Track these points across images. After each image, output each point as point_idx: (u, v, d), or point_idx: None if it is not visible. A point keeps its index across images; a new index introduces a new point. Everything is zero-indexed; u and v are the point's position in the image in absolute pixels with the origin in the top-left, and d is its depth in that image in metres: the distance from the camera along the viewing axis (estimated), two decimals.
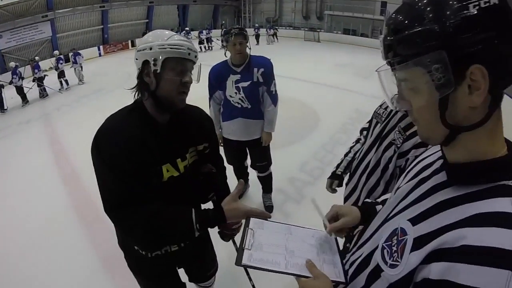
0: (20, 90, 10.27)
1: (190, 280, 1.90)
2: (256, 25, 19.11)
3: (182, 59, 1.20)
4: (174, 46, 1.17)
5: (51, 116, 8.71)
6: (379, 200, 1.07)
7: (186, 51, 1.19)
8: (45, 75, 10.98)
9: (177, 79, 1.20)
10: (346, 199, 1.71)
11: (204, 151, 1.44)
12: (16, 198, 4.51)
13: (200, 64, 1.30)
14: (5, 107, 9.78)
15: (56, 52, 12.06)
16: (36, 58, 11.64)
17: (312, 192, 3.56)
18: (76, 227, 3.52)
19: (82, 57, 11.69)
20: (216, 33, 18.25)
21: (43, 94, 10.73)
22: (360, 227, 1.05)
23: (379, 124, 1.47)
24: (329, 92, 7.43)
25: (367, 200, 1.13)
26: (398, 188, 0.75)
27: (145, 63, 1.18)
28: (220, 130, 2.93)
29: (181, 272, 1.75)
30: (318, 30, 19.04)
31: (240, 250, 0.97)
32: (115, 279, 2.66)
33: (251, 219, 1.13)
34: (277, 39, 18.31)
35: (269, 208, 3.29)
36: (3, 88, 9.80)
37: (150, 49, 1.17)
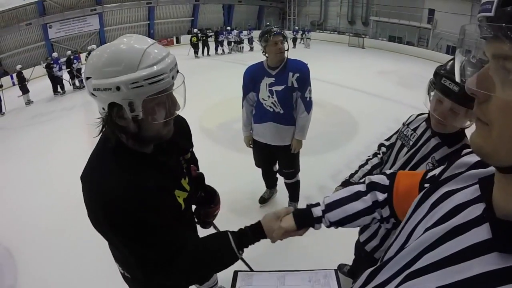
0: (58, 80, 10.85)
1: None
2: (296, 28, 18.81)
3: (167, 89, 0.91)
4: (155, 78, 0.85)
5: (93, 104, 9.09)
6: (326, 200, 0.99)
7: (170, 77, 0.89)
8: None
9: (164, 114, 0.95)
10: (361, 232, 1.64)
11: (189, 158, 1.33)
12: (54, 179, 4.79)
13: (184, 83, 0.97)
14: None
15: (94, 46, 12.42)
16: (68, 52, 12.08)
17: None
18: None
19: (79, 61, 11.77)
20: (256, 34, 18.25)
21: (80, 85, 11.25)
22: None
23: (405, 148, 1.33)
24: (369, 99, 7.20)
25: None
26: (425, 230, 0.56)
27: (113, 105, 0.88)
28: (250, 131, 2.86)
29: None
30: (363, 36, 18.52)
31: None
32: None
33: (238, 273, 1.06)
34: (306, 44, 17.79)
35: None
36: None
37: (118, 89, 0.84)
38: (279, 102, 2.57)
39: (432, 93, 1.15)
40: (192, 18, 22.90)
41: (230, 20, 23.92)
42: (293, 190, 3.16)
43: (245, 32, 16.80)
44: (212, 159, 4.62)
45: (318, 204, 0.99)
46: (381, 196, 0.89)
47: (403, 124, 1.41)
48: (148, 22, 21.22)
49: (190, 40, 15.51)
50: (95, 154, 1.02)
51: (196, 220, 1.50)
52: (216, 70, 12.13)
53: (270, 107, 2.61)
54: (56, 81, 10.77)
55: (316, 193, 3.60)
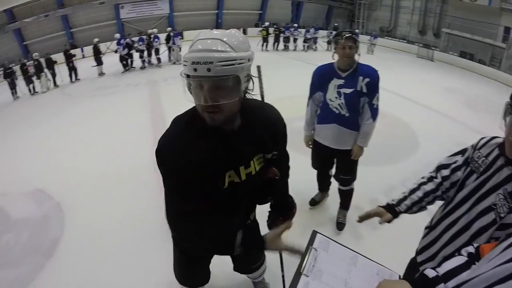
0: (122, 59, 11.75)
1: (234, 269, 1.97)
2: (356, 30, 18.20)
3: (193, 76, 1.01)
4: (185, 60, 1.01)
5: (158, 84, 9.62)
6: (441, 270, 0.87)
7: (191, 67, 0.99)
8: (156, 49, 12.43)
9: (197, 99, 1.06)
10: (419, 252, 1.49)
11: (272, 158, 1.36)
12: (110, 146, 5.32)
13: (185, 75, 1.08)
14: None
15: (155, 30, 13.23)
16: (154, 30, 13.09)
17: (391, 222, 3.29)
18: (155, 185, 3.76)
19: (181, 38, 12.78)
20: (322, 34, 17.96)
21: (143, 65, 12.22)
22: None
23: (474, 174, 1.22)
24: (433, 116, 6.94)
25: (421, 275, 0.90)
26: (498, 265, 0.60)
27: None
28: (312, 131, 2.89)
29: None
30: (433, 48, 17.56)
31: (297, 274, 0.91)
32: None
33: (318, 235, 1.06)
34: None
35: (340, 225, 3.21)
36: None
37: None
38: (346, 105, 2.59)
39: (508, 117, 1.06)
40: (260, 12, 23.09)
41: (298, 17, 23.78)
42: (346, 197, 3.17)
43: (311, 31, 16.53)
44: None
45: (437, 276, 0.89)
46: None
47: (473, 148, 1.29)
48: (217, 11, 21.71)
49: (261, 33, 15.85)
50: (189, 110, 1.20)
51: (267, 223, 1.58)
52: (281, 66, 12.25)
53: (336, 108, 2.64)
54: (121, 60, 11.69)
55: (367, 205, 3.53)
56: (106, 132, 5.99)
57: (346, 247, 1.06)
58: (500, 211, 1.07)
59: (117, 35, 12.38)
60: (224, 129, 1.14)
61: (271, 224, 1.57)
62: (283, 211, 1.55)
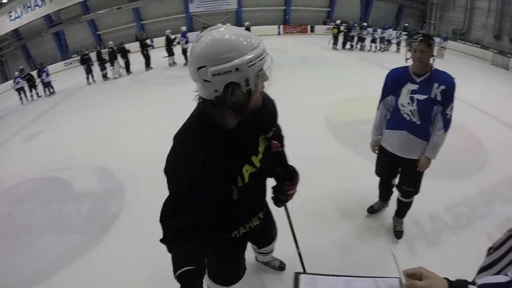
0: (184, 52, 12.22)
1: (258, 247, 2.24)
2: (422, 31, 16.92)
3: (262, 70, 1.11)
4: (262, 57, 1.07)
5: None
6: (479, 281, 0.87)
7: (269, 57, 1.12)
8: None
9: (264, 86, 1.17)
10: (481, 270, 1.39)
11: (272, 136, 1.45)
12: (170, 132, 5.47)
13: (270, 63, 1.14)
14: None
15: (184, 27, 13.38)
16: (183, 28, 13.27)
17: (450, 240, 3.13)
18: None
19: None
20: (389, 34, 17.14)
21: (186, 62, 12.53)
22: None
23: None
24: (506, 132, 6.32)
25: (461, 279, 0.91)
26: None
27: (230, 85, 1.06)
28: (380, 136, 2.81)
29: None
30: (509, 55, 16.00)
31: None
32: None
33: (301, 276, 1.02)
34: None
35: (399, 233, 3.11)
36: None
37: (237, 69, 1.02)
38: (418, 112, 2.48)
39: None
40: (329, 9, 22.76)
41: (368, 15, 23.11)
42: (404, 208, 3.05)
43: (378, 31, 15.96)
44: (330, 155, 4.65)
45: (473, 283, 0.90)
46: None
47: None
48: (285, 7, 21.80)
49: (332, 30, 15.74)
50: (188, 124, 1.27)
51: (272, 196, 1.67)
52: (351, 65, 12.07)
53: (408, 115, 2.53)
54: (184, 53, 12.22)
55: (426, 220, 3.38)
56: (170, 118, 6.24)
57: (335, 275, 1.02)
58: None
59: (183, 28, 12.83)
60: (227, 129, 1.21)
61: (276, 195, 1.65)
62: (288, 177, 1.59)
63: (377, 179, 3.18)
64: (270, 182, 1.66)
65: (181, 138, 1.24)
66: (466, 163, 4.70)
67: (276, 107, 1.50)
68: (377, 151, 2.91)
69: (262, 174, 1.44)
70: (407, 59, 2.50)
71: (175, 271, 1.13)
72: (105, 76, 11.59)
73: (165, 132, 5.50)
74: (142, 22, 19.15)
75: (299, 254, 2.06)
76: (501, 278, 0.87)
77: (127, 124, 6.31)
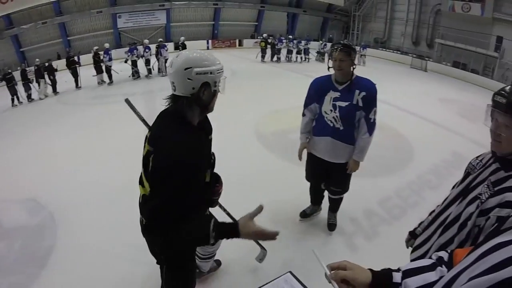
0: (108, 70, 11.84)
1: None
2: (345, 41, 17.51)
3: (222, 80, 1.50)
4: (222, 70, 1.47)
5: (154, 94, 9.72)
6: (403, 267, 0.92)
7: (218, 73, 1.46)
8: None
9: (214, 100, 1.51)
10: (414, 249, 1.55)
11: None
12: (106, 156, 5.29)
13: (225, 77, 1.53)
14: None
15: (146, 41, 13.34)
16: (146, 41, 13.16)
17: (386, 232, 3.33)
18: None
19: (167, 50, 12.76)
20: (314, 45, 18.14)
21: (135, 76, 12.36)
22: None
23: (470, 176, 1.32)
24: (427, 127, 6.99)
25: (386, 268, 0.96)
26: (469, 278, 0.59)
27: (204, 84, 1.42)
28: (307, 139, 2.87)
29: None
30: (427, 58, 17.75)
31: None
32: None
33: None
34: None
35: (331, 226, 3.24)
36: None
37: (211, 73, 1.42)
38: (340, 118, 2.59)
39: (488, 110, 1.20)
40: (256, 23, 23.33)
41: (294, 29, 23.97)
42: (335, 204, 3.20)
43: (303, 42, 16.67)
44: (262, 166, 4.71)
45: (397, 270, 0.93)
46: (445, 270, 0.88)
47: (475, 158, 1.39)
48: (213, 22, 21.95)
49: (260, 44, 16.02)
50: (168, 122, 1.49)
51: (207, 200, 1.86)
52: (278, 77, 12.41)
53: (331, 121, 2.63)
54: (107, 71, 11.87)
55: (362, 216, 3.56)
56: (100, 143, 5.96)
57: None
58: (482, 198, 1.14)
59: (107, 44, 12.54)
60: (195, 126, 1.53)
61: (212, 193, 1.84)
62: (215, 180, 1.82)
63: (308, 184, 3.27)
64: None
65: (167, 137, 1.42)
66: (394, 159, 5.07)
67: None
68: (303, 158, 2.96)
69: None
70: (329, 68, 2.60)
71: (207, 235, 1.31)
72: (30, 97, 10.67)
73: (94, 158, 5.28)
74: (68, 38, 18.11)
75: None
76: (425, 262, 0.92)
77: (54, 151, 5.86)
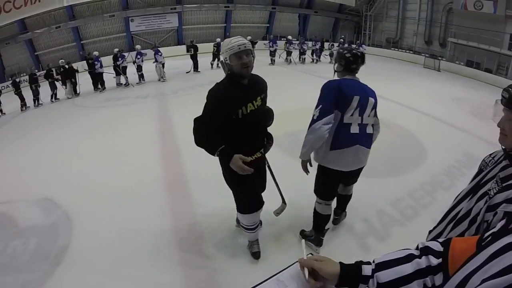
0: (140, 69, 11.99)
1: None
2: (289, 37, 16.32)
3: (237, 52, 2.21)
4: (232, 48, 2.20)
5: (167, 97, 9.74)
6: (377, 260, 0.90)
7: (237, 48, 2.19)
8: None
9: (238, 63, 2.23)
10: None
11: (265, 98, 2.50)
12: (117, 158, 5.36)
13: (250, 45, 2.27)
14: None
15: (138, 46, 13.04)
16: (137, 46, 12.90)
17: (399, 233, 3.29)
18: (162, 198, 4.04)
19: (161, 55, 12.20)
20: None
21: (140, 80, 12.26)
22: None
23: (482, 173, 1.33)
24: (440, 126, 6.89)
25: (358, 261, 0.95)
26: (482, 280, 0.57)
27: (225, 58, 2.27)
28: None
29: None
30: (440, 58, 17.49)
31: None
32: (177, 253, 3.11)
33: None
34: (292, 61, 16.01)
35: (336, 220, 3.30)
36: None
37: (223, 52, 2.28)
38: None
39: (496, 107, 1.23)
40: (268, 25, 23.30)
41: (305, 30, 23.93)
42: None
43: (309, 43, 16.55)
44: (277, 166, 4.65)
45: (368, 263, 0.92)
46: (435, 261, 0.83)
47: (488, 155, 1.40)
48: (225, 24, 21.99)
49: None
50: (220, 81, 2.38)
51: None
52: (288, 78, 12.34)
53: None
54: (99, 78, 11.90)
55: (374, 217, 3.54)
56: (113, 144, 6.06)
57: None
58: (490, 194, 1.15)
59: (96, 53, 12.38)
60: (242, 83, 2.32)
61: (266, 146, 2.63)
62: (270, 137, 2.68)
63: None
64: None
65: (219, 83, 2.35)
66: (406, 158, 5.00)
67: (264, 82, 2.52)
68: (308, 172, 2.71)
69: (257, 119, 2.42)
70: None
71: (214, 151, 2.23)
72: (55, 97, 10.94)
73: (108, 158, 5.36)
74: (82, 42, 18.42)
75: (279, 190, 2.94)
76: (400, 253, 0.90)
77: (69, 151, 5.99)
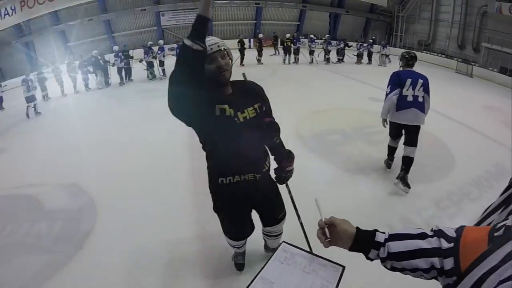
0: (161, 64, 12.70)
1: (262, 224, 2.46)
2: (312, 36, 16.37)
3: (209, 54, 1.73)
4: (211, 48, 1.77)
5: None
6: (392, 232, 0.98)
7: (208, 49, 1.71)
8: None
9: (211, 66, 1.78)
10: None
11: (261, 109, 2.00)
12: (144, 148, 5.63)
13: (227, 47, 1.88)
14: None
15: (161, 41, 13.95)
16: (160, 41, 13.84)
17: None
18: (186, 188, 4.14)
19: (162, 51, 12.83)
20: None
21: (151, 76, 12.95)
22: None
23: None
24: (470, 135, 6.66)
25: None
26: (500, 281, 0.59)
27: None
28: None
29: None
30: (472, 63, 16.83)
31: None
32: (199, 242, 3.16)
33: (283, 244, 1.19)
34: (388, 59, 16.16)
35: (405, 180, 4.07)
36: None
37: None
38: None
39: None
40: (298, 23, 23.22)
41: (336, 29, 23.67)
42: (410, 163, 4.08)
43: (334, 43, 16.36)
44: (305, 167, 4.66)
45: (383, 232, 0.99)
46: (446, 244, 0.86)
47: None
48: (255, 21, 22.12)
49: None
50: None
51: (275, 176, 2.21)
52: (315, 77, 12.20)
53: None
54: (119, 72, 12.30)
55: (398, 224, 3.47)
56: (143, 134, 6.24)
57: (306, 251, 1.18)
58: None
59: (115, 48, 12.93)
60: (226, 92, 1.90)
61: (278, 173, 2.17)
62: (286, 158, 2.15)
63: (355, 184, 4.08)
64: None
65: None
66: (433, 167, 4.88)
67: (258, 89, 2.06)
68: (386, 125, 4.26)
69: (246, 131, 1.89)
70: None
71: (188, 47, 1.66)
72: (87, 86, 11.43)
73: (136, 147, 5.49)
74: (113, 35, 18.88)
75: (302, 228, 2.09)
76: (415, 231, 0.95)
77: (98, 139, 6.17)
